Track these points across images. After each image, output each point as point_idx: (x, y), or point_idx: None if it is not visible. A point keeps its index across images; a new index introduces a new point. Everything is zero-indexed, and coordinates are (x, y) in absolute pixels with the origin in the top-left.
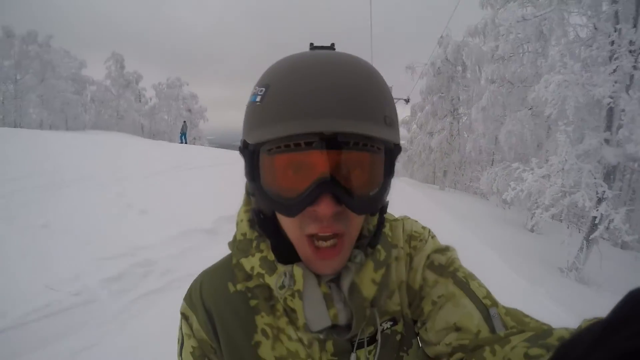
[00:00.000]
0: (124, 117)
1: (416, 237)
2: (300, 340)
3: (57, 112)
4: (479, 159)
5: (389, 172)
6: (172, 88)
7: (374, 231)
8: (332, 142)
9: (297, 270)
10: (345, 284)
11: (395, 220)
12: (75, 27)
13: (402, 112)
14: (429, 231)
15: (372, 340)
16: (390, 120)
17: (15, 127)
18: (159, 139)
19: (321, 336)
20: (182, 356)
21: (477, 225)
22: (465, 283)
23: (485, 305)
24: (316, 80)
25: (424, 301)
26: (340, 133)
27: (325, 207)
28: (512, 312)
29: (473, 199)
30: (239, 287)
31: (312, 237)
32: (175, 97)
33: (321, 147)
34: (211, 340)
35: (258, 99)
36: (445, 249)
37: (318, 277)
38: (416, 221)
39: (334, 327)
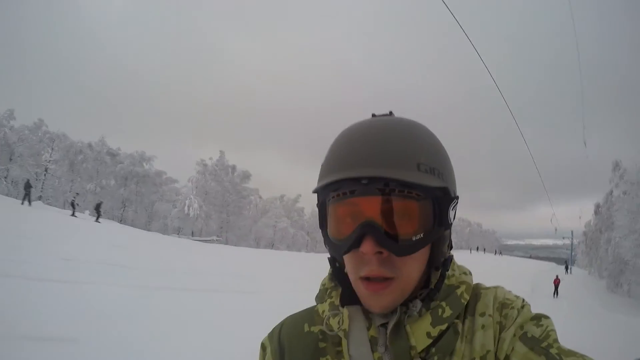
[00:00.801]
0: None
1: (508, 304)
2: None
3: None
4: None
5: (440, 220)
6: None
7: (434, 285)
8: (371, 189)
9: (346, 311)
10: (390, 326)
11: (487, 288)
12: None
13: None
14: (523, 300)
15: None
16: (427, 168)
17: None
18: None
19: None
20: None
21: None
22: None
23: None
24: (358, 139)
25: None
26: (369, 177)
27: (365, 246)
28: None
29: None
30: (313, 328)
31: (366, 280)
32: None
33: (361, 193)
34: None
35: (324, 161)
36: (540, 318)
37: (369, 321)
38: (509, 291)
39: None
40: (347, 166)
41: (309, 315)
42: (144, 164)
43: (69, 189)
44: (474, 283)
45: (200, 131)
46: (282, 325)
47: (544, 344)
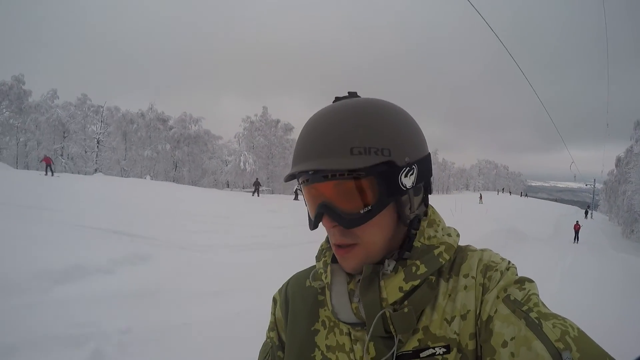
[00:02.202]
0: None
1: (492, 267)
2: (349, 335)
3: None
4: None
5: (388, 191)
6: None
7: (402, 245)
8: (317, 177)
9: (330, 267)
10: (356, 278)
11: (474, 251)
12: None
13: None
14: (508, 262)
15: (415, 356)
16: (361, 150)
17: None
18: None
19: (367, 337)
20: (267, 330)
21: None
22: (537, 325)
23: (558, 349)
24: (307, 132)
25: (493, 337)
26: (306, 171)
27: (325, 223)
28: (588, 356)
29: None
30: (314, 284)
31: (336, 246)
32: None
33: (312, 181)
34: (284, 319)
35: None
36: (523, 281)
37: (351, 277)
38: (497, 253)
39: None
40: (297, 160)
41: (311, 272)
42: (192, 126)
43: (124, 157)
44: (469, 245)
45: (228, 85)
46: (289, 281)
47: (525, 308)
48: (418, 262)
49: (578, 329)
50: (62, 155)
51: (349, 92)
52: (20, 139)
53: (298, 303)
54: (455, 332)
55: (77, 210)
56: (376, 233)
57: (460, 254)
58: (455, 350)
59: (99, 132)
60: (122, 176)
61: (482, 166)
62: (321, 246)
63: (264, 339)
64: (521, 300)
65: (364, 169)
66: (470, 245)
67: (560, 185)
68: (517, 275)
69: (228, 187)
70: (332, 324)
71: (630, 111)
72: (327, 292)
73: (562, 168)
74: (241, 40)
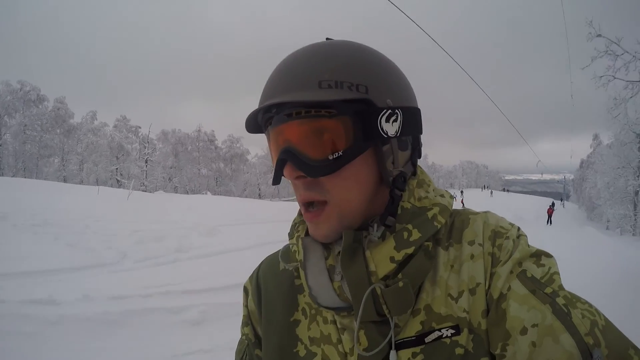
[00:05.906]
0: None
1: (502, 233)
2: (334, 323)
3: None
4: None
5: (365, 134)
6: None
7: (387, 206)
8: (281, 117)
9: (300, 241)
10: (336, 250)
11: (476, 214)
12: None
13: None
14: (518, 229)
15: (419, 342)
16: (332, 83)
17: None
18: None
19: (355, 323)
20: (241, 325)
21: None
22: (565, 314)
23: (588, 345)
24: (273, 72)
25: (508, 321)
26: (271, 105)
27: (286, 173)
28: (616, 354)
29: None
30: (287, 265)
31: (305, 208)
32: None
33: (275, 123)
34: (257, 311)
35: None
36: (540, 255)
37: (327, 250)
38: (503, 217)
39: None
40: (261, 100)
41: (284, 253)
42: (235, 144)
43: (175, 176)
44: (466, 208)
45: (188, 89)
46: (260, 265)
47: (548, 290)
48: (410, 227)
49: (605, 317)
50: (116, 173)
51: (327, 38)
52: (66, 160)
53: (272, 291)
54: (464, 310)
55: None
56: (351, 188)
57: (459, 217)
58: (466, 330)
59: (147, 152)
60: (176, 193)
61: (464, 167)
62: (294, 221)
63: None
64: (540, 279)
65: (334, 104)
66: (470, 208)
67: (533, 178)
68: (529, 246)
69: (259, 197)
70: (313, 311)
71: (594, 101)
72: (302, 273)
73: (534, 161)
74: (206, 44)
